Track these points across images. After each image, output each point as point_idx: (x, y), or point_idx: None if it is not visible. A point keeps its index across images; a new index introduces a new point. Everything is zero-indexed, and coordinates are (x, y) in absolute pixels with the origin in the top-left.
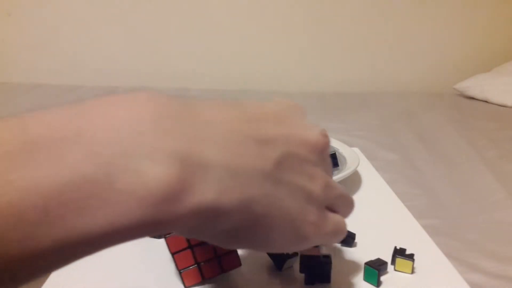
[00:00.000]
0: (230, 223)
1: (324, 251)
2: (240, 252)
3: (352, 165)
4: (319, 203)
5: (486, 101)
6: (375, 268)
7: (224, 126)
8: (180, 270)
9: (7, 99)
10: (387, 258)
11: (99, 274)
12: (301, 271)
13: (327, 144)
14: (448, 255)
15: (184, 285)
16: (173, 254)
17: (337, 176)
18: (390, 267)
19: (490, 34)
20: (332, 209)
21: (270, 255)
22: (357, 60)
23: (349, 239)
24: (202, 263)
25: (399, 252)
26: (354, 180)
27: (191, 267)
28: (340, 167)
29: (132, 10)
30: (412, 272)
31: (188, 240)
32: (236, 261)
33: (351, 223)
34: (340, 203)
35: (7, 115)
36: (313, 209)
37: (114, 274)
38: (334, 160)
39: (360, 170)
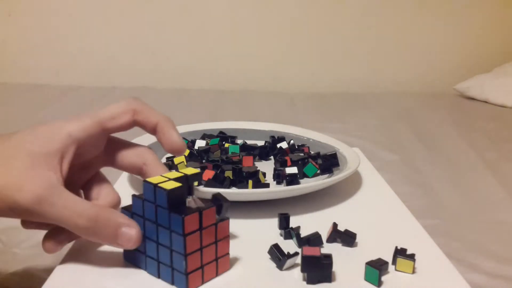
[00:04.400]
0: None
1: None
2: (239, 252)
3: (352, 165)
4: None
5: (486, 102)
6: (376, 268)
7: None
8: (188, 273)
9: (7, 99)
10: (388, 258)
11: (99, 275)
12: (302, 271)
13: None
14: (449, 255)
15: None
16: (186, 255)
17: (338, 176)
18: (391, 267)
19: (490, 34)
20: None
21: (271, 255)
22: (357, 60)
23: (350, 239)
24: (204, 266)
25: (400, 252)
26: (355, 180)
27: (196, 270)
28: (340, 167)
29: (132, 10)
30: (413, 272)
31: (200, 242)
32: (227, 264)
33: (352, 223)
34: None
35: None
36: None
37: (114, 274)
38: (335, 160)
39: (361, 170)
